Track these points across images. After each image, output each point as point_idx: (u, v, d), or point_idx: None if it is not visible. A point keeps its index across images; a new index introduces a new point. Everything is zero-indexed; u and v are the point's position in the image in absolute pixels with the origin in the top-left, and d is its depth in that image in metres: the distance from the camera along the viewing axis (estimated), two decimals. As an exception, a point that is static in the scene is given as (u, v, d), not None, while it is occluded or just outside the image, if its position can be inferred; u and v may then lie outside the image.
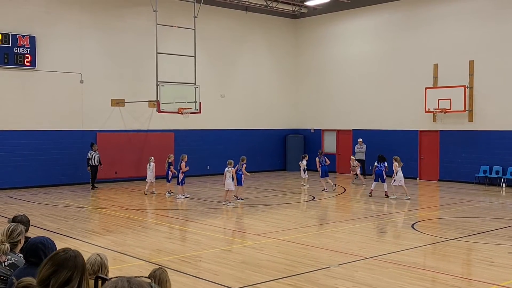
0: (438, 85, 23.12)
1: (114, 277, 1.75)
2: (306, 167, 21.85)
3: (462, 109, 22.15)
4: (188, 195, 18.46)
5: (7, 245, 4.83)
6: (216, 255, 10.27)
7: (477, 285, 8.44)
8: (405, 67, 24.34)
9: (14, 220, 5.46)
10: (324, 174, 20.10)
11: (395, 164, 17.96)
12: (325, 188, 19.96)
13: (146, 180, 19.50)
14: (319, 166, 20.30)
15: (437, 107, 22.77)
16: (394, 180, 17.94)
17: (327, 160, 20.65)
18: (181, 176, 18.19)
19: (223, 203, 16.69)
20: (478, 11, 22.17)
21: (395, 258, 9.90)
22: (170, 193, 18.85)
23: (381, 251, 10.42)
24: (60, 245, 4.69)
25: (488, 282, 8.40)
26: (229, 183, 16.60)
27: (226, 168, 16.84)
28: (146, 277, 1.85)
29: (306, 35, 28.60)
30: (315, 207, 16.96)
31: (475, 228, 12.93)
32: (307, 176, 21.73)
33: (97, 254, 5.12)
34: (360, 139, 24.69)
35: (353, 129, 26.41)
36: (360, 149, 24.45)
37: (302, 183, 21.75)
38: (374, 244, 11.27)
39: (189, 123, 23.41)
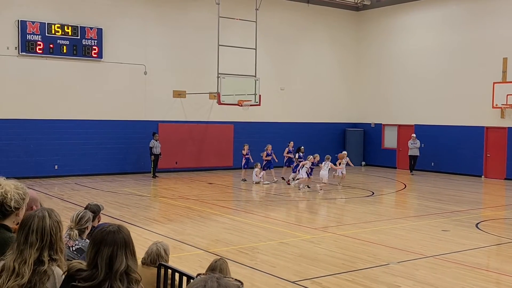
0: (507, 80, 22.14)
1: (203, 274, 1.74)
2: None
3: (533, 105, 21.14)
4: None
5: (76, 231, 5.05)
6: (273, 248, 10.31)
7: (546, 289, 8.06)
8: (472, 61, 23.43)
9: (86, 207, 5.70)
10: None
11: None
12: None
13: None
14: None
15: (505, 103, 21.82)
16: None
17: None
18: (264, 162, 20.36)
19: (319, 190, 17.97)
20: (553, 2, 21.03)
21: (458, 257, 9.60)
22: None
23: (443, 250, 10.14)
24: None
25: (558, 287, 8.02)
26: (324, 174, 18.18)
27: (324, 162, 18.43)
28: (236, 279, 1.81)
29: (368, 27, 28.06)
30: (374, 203, 16.68)
31: (544, 230, 12.34)
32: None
33: (156, 244, 5.27)
34: (414, 135, 24.23)
35: (415, 124, 25.74)
36: (415, 145, 23.97)
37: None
38: (436, 242, 10.96)
39: (248, 115, 23.55)
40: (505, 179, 22.34)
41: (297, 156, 20.09)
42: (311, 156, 18.65)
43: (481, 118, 23.19)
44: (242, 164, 20.83)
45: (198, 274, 1.77)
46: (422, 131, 25.05)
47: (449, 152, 24.03)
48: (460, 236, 11.52)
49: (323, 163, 18.55)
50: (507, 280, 8.39)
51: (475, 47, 23.33)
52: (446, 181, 21.68)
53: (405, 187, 20.17)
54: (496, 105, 22.19)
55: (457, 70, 23.94)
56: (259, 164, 20.28)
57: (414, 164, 24.04)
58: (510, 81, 21.95)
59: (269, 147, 20.74)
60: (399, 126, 26.63)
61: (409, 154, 24.26)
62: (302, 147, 21.00)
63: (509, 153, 22.38)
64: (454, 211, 14.69)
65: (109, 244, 2.88)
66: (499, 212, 15.23)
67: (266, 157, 20.45)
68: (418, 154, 23.99)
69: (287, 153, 21.23)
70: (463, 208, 15.16)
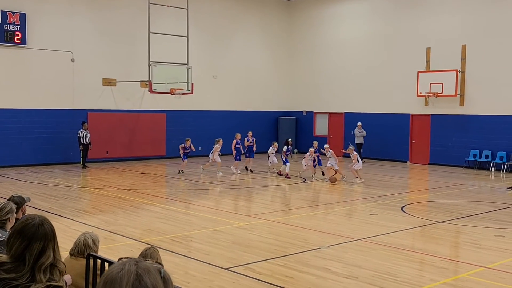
0: (430, 69, 23.14)
1: (125, 258, 1.72)
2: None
3: (454, 93, 22.21)
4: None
5: None
6: (207, 236, 10.33)
7: (464, 267, 8.56)
8: (398, 50, 24.31)
9: (9, 199, 5.47)
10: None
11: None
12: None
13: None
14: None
15: (429, 91, 22.82)
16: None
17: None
18: (234, 152, 19.74)
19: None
20: (472, -5, 22.12)
21: (384, 240, 10.01)
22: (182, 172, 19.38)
23: (370, 233, 10.52)
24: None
25: (475, 264, 8.53)
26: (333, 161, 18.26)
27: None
28: (157, 262, 1.81)
29: (300, 16, 28.43)
30: (306, 190, 17.04)
31: (463, 211, 13.07)
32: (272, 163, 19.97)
33: (84, 234, 5.16)
34: (359, 123, 24.34)
35: (345, 112, 26.44)
36: (361, 133, 24.13)
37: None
38: (364, 226, 11.37)
39: (181, 104, 23.32)
40: (429, 164, 23.43)
41: (285, 149, 19.12)
42: (312, 148, 18.71)
43: (406, 106, 24.15)
44: (183, 156, 19.39)
45: (120, 258, 1.75)
46: (351, 118, 25.77)
47: (377, 139, 24.85)
48: (386, 219, 11.99)
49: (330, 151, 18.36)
50: (430, 260, 8.83)
51: (401, 38, 24.21)
52: (374, 167, 22.44)
53: (335, 173, 20.68)
54: (420, 93, 23.16)
55: (384, 59, 24.77)
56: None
57: (360, 153, 24.28)
58: (433, 70, 22.95)
59: (238, 135, 20.02)
60: (330, 114, 27.26)
61: (355, 142, 24.20)
62: (290, 139, 20.45)
63: (432, 139, 23.47)
64: (382, 195, 15.26)
65: (40, 238, 2.83)
66: (423, 196, 15.97)
67: (236, 145, 19.70)
68: (363, 142, 24.27)
69: (235, 145, 19.95)
70: (389, 193, 15.78)
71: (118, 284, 1.60)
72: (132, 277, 1.61)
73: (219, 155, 19.55)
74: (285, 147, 19.45)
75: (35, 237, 2.82)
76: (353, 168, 18.03)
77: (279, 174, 19.17)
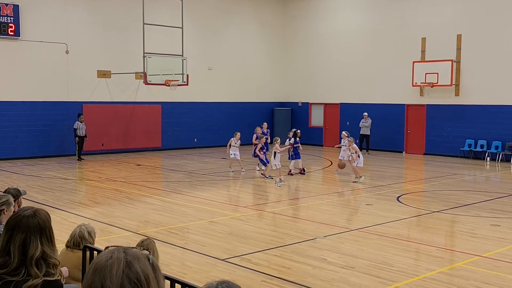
0: (425, 59, 23.14)
1: (112, 246, 1.71)
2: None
3: (449, 83, 22.23)
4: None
5: None
6: (203, 227, 10.34)
7: (460, 256, 8.61)
8: (393, 40, 24.27)
9: (5, 192, 5.44)
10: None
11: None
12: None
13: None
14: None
15: (424, 81, 22.82)
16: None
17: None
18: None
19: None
20: (467, -15, 22.09)
21: (380, 230, 10.04)
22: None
23: (366, 223, 10.56)
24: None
25: (470, 253, 8.58)
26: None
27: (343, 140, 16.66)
28: (144, 248, 1.81)
29: (295, 7, 28.32)
30: (302, 180, 17.03)
31: (459, 201, 13.12)
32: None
33: (80, 226, 5.15)
34: (365, 113, 23.96)
35: (340, 103, 26.43)
36: (365, 124, 23.84)
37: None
38: (360, 216, 11.41)
39: (176, 95, 23.27)
40: (424, 154, 23.49)
41: (292, 141, 16.90)
42: (279, 139, 16.12)
43: (402, 96, 24.15)
44: (265, 160, 16.73)
45: (107, 247, 1.75)
46: (347, 109, 25.76)
47: (373, 129, 24.84)
48: (382, 209, 12.03)
49: (343, 140, 16.46)
50: (426, 249, 8.88)
51: (396, 27, 24.17)
52: (370, 157, 22.46)
53: (331, 164, 20.72)
54: (416, 83, 23.16)
55: (379, 50, 24.73)
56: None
57: (368, 144, 23.89)
58: (428, 60, 22.94)
59: (259, 130, 18.20)
60: (326, 104, 27.25)
61: (360, 133, 23.97)
62: (299, 130, 17.81)
63: (428, 129, 23.51)
64: (377, 185, 15.30)
65: (22, 229, 2.77)
66: (419, 186, 16.02)
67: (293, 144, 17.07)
68: (369, 133, 23.94)
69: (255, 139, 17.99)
70: (385, 183, 15.81)
71: (108, 272, 1.58)
72: (122, 264, 1.60)
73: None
74: (292, 139, 17.09)
75: (16, 228, 2.77)
76: (355, 166, 15.90)
77: (292, 174, 16.98)
